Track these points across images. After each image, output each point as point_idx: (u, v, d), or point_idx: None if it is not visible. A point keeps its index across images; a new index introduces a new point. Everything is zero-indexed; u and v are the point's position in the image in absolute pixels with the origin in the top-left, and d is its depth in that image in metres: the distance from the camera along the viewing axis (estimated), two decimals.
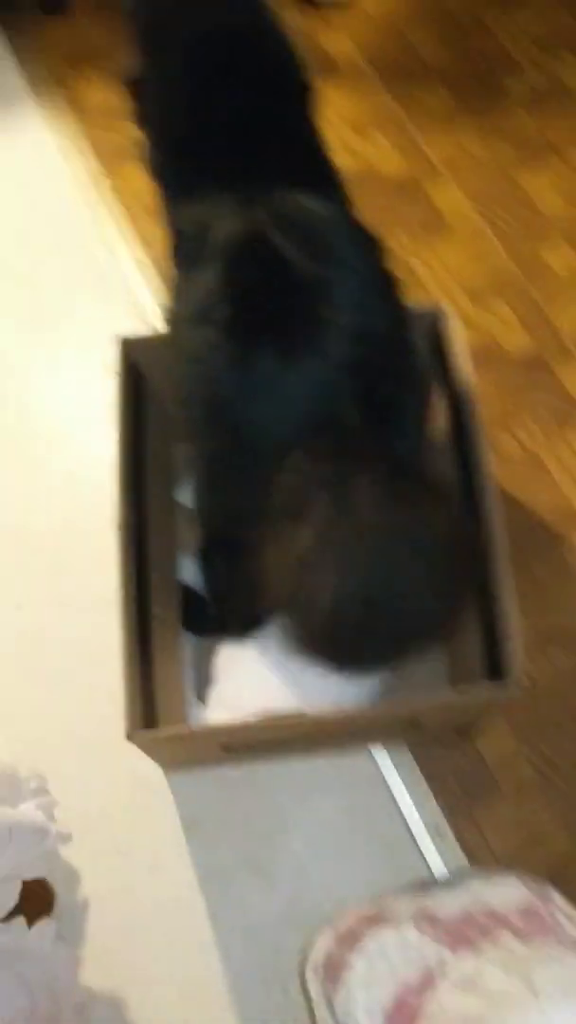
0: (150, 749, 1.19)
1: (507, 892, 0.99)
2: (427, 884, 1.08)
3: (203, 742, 1.22)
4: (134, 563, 1.19)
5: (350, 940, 0.99)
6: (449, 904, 0.99)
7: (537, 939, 0.92)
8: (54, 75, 1.96)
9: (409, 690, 1.27)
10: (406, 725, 1.25)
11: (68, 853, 1.30)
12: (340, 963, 0.97)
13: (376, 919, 1.01)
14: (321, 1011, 0.99)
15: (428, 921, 0.96)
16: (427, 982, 0.87)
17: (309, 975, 1.05)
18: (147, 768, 1.33)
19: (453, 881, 1.04)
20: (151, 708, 1.16)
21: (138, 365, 1.32)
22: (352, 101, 1.90)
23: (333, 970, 0.98)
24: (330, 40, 1.98)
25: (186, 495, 1.43)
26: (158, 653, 1.22)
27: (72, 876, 1.30)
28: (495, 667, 1.12)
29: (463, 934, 0.92)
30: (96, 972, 1.24)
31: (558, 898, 0.98)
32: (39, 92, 1.95)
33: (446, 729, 1.35)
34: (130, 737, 1.08)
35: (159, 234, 1.24)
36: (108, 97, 1.93)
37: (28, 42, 2.01)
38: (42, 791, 1.29)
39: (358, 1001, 0.91)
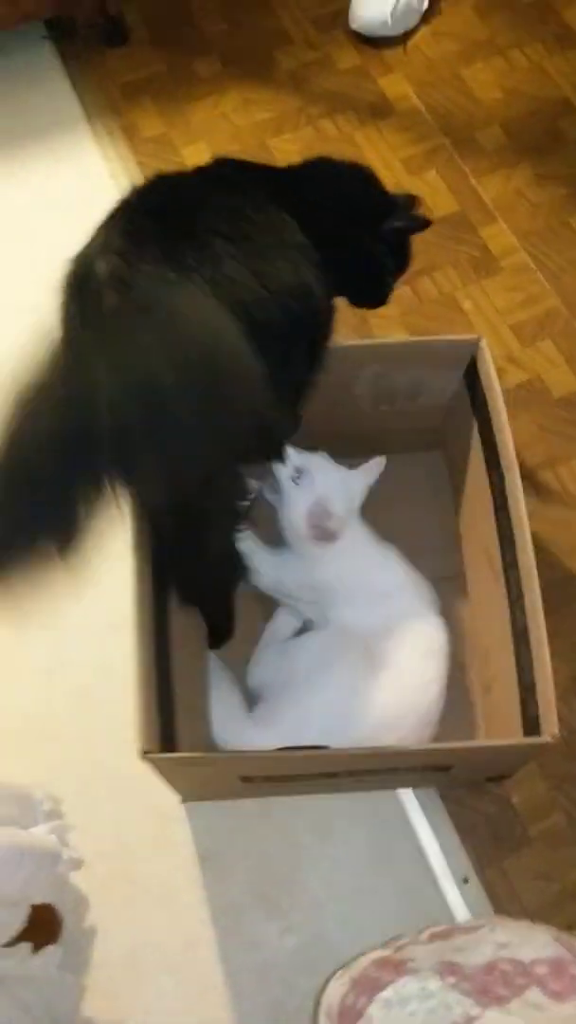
0: (165, 772, 1.15)
1: (536, 945, 0.94)
2: (449, 930, 1.03)
3: (221, 769, 1.19)
4: (151, 579, 1.14)
5: (367, 987, 0.94)
6: (473, 953, 0.94)
7: (568, 997, 0.87)
8: (110, 104, 1.99)
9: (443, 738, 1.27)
10: (436, 770, 1.21)
11: (78, 879, 1.26)
12: (356, 1011, 0.92)
13: (395, 965, 0.96)
14: None
15: (451, 970, 0.91)
16: None
17: (322, 1020, 1.00)
18: (164, 798, 1.30)
19: (477, 927, 0.98)
20: (170, 731, 1.12)
21: None
22: (407, 141, 1.91)
23: (348, 1017, 0.93)
24: (388, 81, 1.99)
25: None
26: (180, 678, 1.19)
27: (81, 903, 1.26)
28: (529, 716, 1.09)
29: (489, 987, 0.87)
30: (99, 1002, 1.20)
31: None
32: (94, 120, 1.97)
33: (477, 777, 1.32)
34: (144, 756, 1.03)
35: None
36: (161, 127, 1.95)
37: (86, 71, 2.03)
38: (55, 814, 1.25)
39: None
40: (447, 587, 1.41)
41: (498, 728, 1.25)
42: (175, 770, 1.16)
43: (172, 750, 1.10)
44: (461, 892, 1.25)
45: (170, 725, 1.13)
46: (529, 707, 1.09)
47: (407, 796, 1.32)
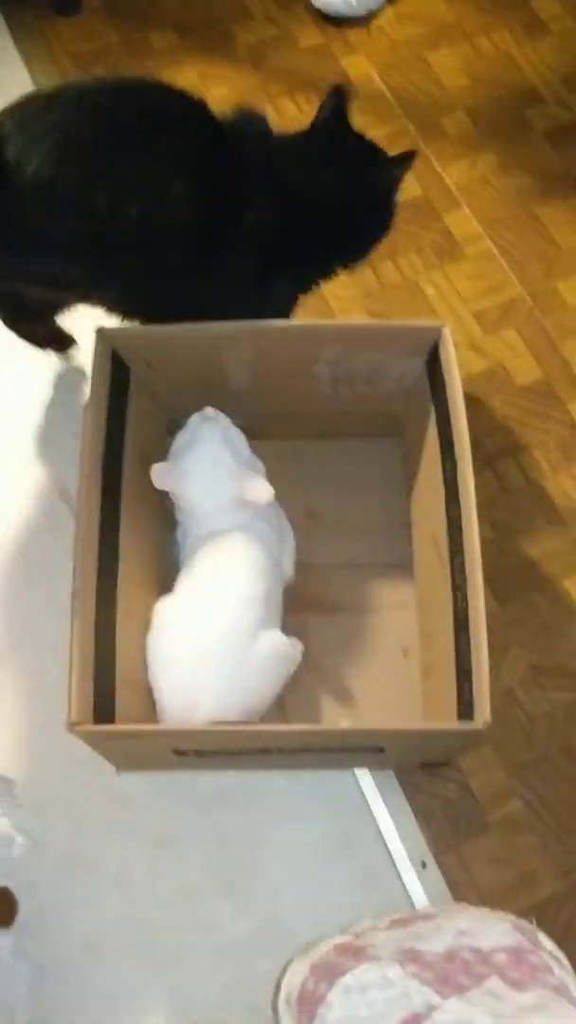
0: (97, 744, 1.15)
1: (495, 933, 0.94)
2: (409, 917, 1.03)
3: (151, 743, 1.19)
4: (96, 553, 1.17)
5: (327, 972, 0.94)
6: (433, 940, 0.94)
7: (527, 985, 0.87)
8: (61, 75, 1.93)
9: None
10: (369, 750, 1.22)
11: (32, 862, 1.25)
12: (316, 997, 0.92)
13: (355, 951, 0.96)
14: None
15: (411, 957, 0.92)
16: None
17: (281, 1006, 1.00)
18: (122, 780, 1.29)
19: (437, 915, 0.99)
20: (108, 703, 1.13)
21: (121, 356, 1.29)
22: (370, 123, 1.88)
23: (308, 1003, 0.93)
24: (350, 62, 1.97)
25: None
26: (124, 649, 1.19)
27: (35, 886, 1.25)
28: (464, 702, 1.09)
29: (449, 975, 0.88)
30: (55, 986, 1.19)
31: (547, 942, 0.93)
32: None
33: (411, 761, 1.33)
34: (71, 728, 1.04)
35: None
36: None
37: (36, 39, 1.97)
38: (8, 795, 1.24)
39: None
40: (396, 574, 1.42)
41: (435, 713, 1.26)
42: (107, 743, 1.16)
43: (109, 722, 1.11)
44: (419, 876, 1.25)
45: (108, 697, 1.13)
46: (464, 692, 1.09)
47: (366, 780, 1.31)
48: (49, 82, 1.91)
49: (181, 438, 1.31)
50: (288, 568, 1.37)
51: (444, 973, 0.88)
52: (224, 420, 1.32)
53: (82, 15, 2.01)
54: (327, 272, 1.37)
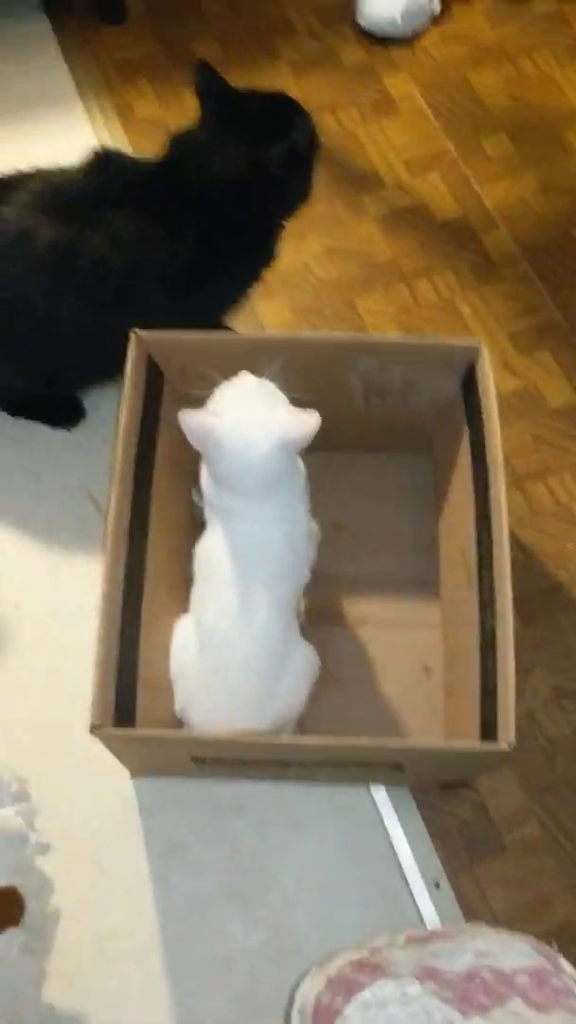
0: (116, 748, 1.15)
1: (516, 954, 0.93)
2: (427, 935, 1.02)
3: (172, 749, 1.18)
4: (125, 557, 1.16)
5: (345, 987, 0.93)
6: (453, 960, 0.93)
7: (550, 1008, 0.86)
8: (104, 82, 1.96)
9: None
10: (388, 767, 1.21)
11: (43, 863, 1.24)
12: (332, 1010, 0.91)
13: (373, 967, 0.95)
14: None
15: (430, 975, 0.91)
16: None
17: (295, 1017, 0.98)
18: (136, 784, 1.28)
19: (456, 934, 0.98)
20: (129, 707, 1.13)
21: (156, 361, 1.30)
22: (410, 142, 1.90)
23: (324, 1017, 0.92)
24: (393, 81, 1.98)
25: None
26: (146, 653, 1.18)
27: (45, 887, 1.23)
28: (488, 722, 1.08)
29: (470, 995, 0.87)
30: (61, 988, 1.18)
31: (567, 965, 0.92)
32: (87, 97, 1.93)
33: (431, 780, 1.32)
34: (93, 730, 1.04)
35: None
36: (156, 108, 1.93)
37: (81, 46, 2.00)
38: (23, 796, 1.23)
39: None
40: (421, 591, 1.42)
41: (458, 732, 1.25)
42: (126, 747, 1.16)
43: (129, 726, 1.11)
44: (432, 896, 1.24)
45: (129, 701, 1.13)
46: (488, 712, 1.07)
47: (381, 796, 1.30)
48: (93, 88, 1.94)
49: (217, 394, 1.18)
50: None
51: (464, 993, 0.87)
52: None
53: (127, 24, 2.04)
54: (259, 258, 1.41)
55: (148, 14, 2.05)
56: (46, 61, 1.97)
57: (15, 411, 1.55)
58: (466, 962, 0.92)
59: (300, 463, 1.21)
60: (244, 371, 1.17)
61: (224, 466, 1.12)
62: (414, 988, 0.88)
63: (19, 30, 2.00)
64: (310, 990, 0.97)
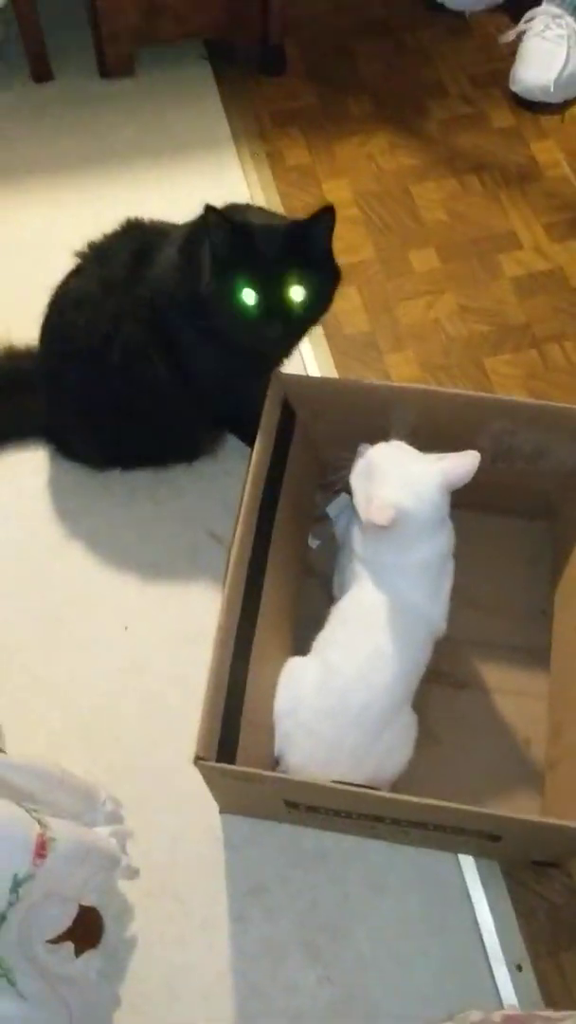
0: (213, 781, 1.15)
1: None
2: (528, 1016, 0.98)
3: (268, 789, 1.16)
4: (243, 593, 1.17)
5: None
6: None
7: None
8: (259, 129, 2.02)
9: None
10: (484, 836, 1.17)
11: (124, 888, 1.24)
12: None
13: None
14: None
15: None
16: None
17: None
18: (223, 820, 1.27)
19: (560, 1019, 0.94)
20: (231, 743, 1.12)
21: (291, 402, 1.31)
22: (551, 207, 1.90)
23: None
24: (540, 147, 1.99)
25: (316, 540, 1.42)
26: (254, 694, 1.18)
27: (126, 913, 1.24)
28: None
29: None
30: (130, 1016, 1.17)
31: None
32: (241, 143, 2.00)
33: (524, 855, 1.27)
34: (196, 761, 1.04)
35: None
36: (306, 158, 1.98)
37: (239, 94, 2.07)
38: (117, 817, 1.23)
39: None
40: (528, 659, 1.40)
41: (556, 809, 1.21)
42: (224, 781, 1.15)
43: (229, 761, 1.10)
44: (512, 977, 1.20)
45: (232, 737, 1.13)
46: None
47: (468, 866, 1.27)
48: (247, 134, 2.00)
49: (354, 470, 1.24)
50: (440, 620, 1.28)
51: None
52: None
53: (286, 76, 2.10)
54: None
55: (305, 68, 2.11)
56: (205, 106, 2.06)
57: (127, 466, 1.58)
58: None
59: (450, 524, 1.24)
60: (380, 443, 1.24)
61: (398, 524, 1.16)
62: None
63: (183, 75, 2.09)
64: None
